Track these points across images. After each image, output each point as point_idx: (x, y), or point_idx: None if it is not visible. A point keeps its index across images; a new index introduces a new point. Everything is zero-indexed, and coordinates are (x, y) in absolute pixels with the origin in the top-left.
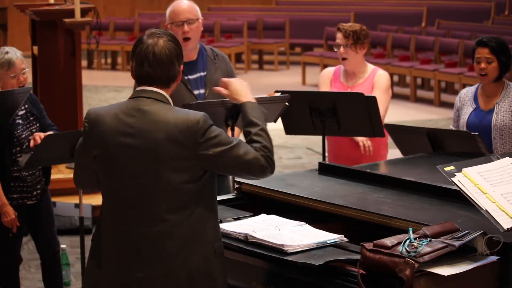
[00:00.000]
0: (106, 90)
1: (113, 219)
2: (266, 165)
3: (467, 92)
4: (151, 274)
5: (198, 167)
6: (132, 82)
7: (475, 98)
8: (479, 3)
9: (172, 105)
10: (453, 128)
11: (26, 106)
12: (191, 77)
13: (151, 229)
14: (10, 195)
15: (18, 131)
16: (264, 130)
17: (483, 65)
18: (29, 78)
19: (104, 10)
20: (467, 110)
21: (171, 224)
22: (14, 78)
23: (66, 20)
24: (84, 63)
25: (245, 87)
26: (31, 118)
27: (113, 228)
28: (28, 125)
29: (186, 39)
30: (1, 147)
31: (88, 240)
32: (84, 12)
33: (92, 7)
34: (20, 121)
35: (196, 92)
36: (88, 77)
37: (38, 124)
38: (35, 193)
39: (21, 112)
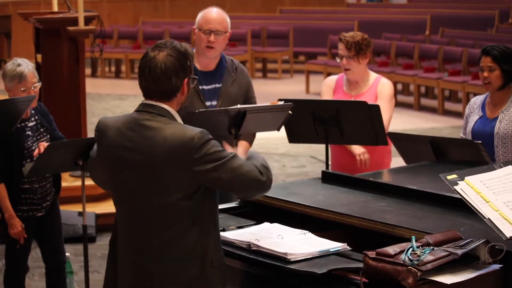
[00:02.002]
0: (110, 98)
1: (120, 231)
2: (262, 174)
3: (476, 100)
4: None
5: (194, 183)
6: (135, 90)
7: (483, 106)
8: (483, 11)
9: (178, 117)
10: (462, 136)
11: (36, 117)
12: (206, 87)
13: (149, 243)
14: (19, 206)
15: (28, 143)
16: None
17: (486, 73)
18: None
19: (108, 18)
20: (474, 118)
21: (168, 239)
22: (25, 91)
23: (70, 28)
24: (88, 71)
25: None
26: (41, 130)
27: (120, 239)
28: (38, 137)
29: (210, 47)
30: (9, 159)
31: (91, 248)
32: (88, 20)
33: (96, 15)
34: (30, 133)
35: (208, 103)
36: (92, 85)
37: (48, 136)
38: (44, 204)
39: (31, 124)
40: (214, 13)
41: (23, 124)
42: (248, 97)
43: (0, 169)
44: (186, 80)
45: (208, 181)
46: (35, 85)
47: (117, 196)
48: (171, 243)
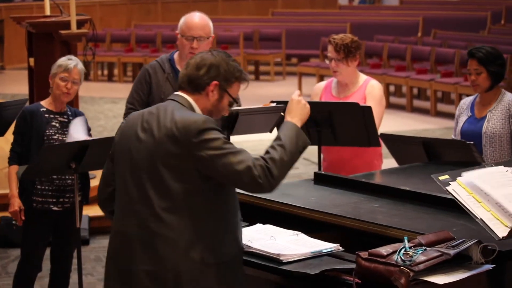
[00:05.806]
0: (102, 101)
1: (119, 210)
2: (260, 177)
3: (465, 101)
4: (143, 269)
5: (192, 167)
6: (128, 93)
7: (472, 107)
8: (475, 13)
9: (199, 111)
10: (454, 137)
11: (71, 118)
12: None
13: (146, 225)
14: (35, 197)
15: (50, 131)
16: (283, 146)
17: (473, 77)
18: (25, 90)
19: (100, 21)
20: (463, 119)
21: (163, 223)
22: (62, 81)
23: (62, 31)
24: None
25: (299, 109)
26: None
27: (118, 219)
28: (65, 132)
29: (193, 54)
30: (28, 142)
31: (84, 251)
32: (80, 24)
33: (88, 19)
34: (58, 125)
35: None
36: (85, 89)
37: None
38: (61, 199)
39: (61, 119)
40: (196, 19)
41: (51, 116)
42: None
43: (18, 153)
44: (215, 83)
45: (207, 169)
46: (75, 80)
47: (122, 176)
48: (165, 228)
